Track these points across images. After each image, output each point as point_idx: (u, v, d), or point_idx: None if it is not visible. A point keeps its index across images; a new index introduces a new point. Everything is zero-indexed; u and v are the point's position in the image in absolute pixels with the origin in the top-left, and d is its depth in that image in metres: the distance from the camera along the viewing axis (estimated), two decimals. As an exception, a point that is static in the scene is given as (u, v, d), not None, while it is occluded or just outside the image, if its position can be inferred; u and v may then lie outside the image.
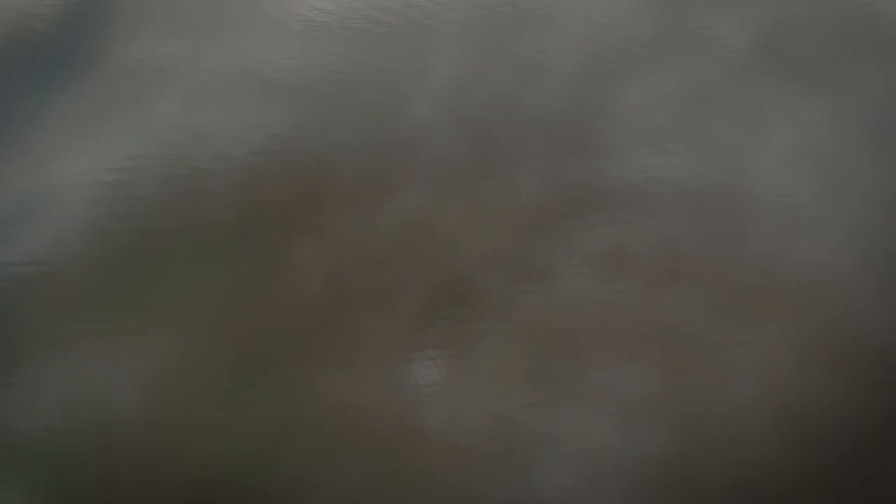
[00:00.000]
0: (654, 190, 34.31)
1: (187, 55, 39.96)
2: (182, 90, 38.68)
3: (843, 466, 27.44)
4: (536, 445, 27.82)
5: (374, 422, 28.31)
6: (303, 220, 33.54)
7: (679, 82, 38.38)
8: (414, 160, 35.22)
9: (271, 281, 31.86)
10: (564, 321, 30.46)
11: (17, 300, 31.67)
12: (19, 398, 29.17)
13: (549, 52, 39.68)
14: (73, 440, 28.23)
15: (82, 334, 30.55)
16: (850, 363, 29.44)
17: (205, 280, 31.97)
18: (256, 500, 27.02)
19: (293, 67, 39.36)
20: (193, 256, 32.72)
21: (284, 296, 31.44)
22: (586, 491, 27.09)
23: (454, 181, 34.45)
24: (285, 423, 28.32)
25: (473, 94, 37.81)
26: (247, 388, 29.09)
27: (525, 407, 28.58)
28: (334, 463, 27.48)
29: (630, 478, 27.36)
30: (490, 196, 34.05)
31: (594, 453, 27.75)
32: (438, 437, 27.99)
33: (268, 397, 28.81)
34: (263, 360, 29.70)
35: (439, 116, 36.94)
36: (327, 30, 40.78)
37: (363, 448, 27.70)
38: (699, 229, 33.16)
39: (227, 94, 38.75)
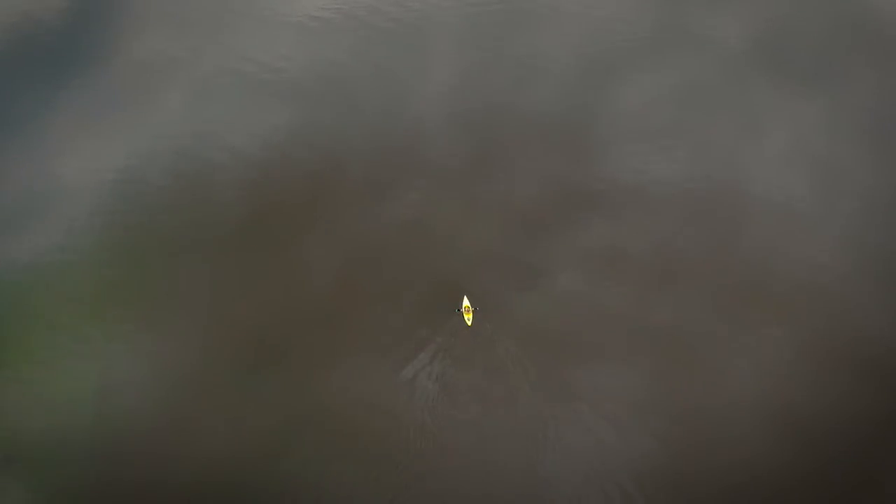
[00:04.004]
0: (650, 190, 34.24)
1: (190, 54, 39.79)
2: (186, 88, 38.64)
3: (837, 467, 27.59)
4: (534, 444, 28.00)
5: (375, 421, 28.43)
6: (303, 219, 33.55)
7: (676, 82, 38.16)
8: (414, 160, 35.11)
9: (272, 279, 31.94)
10: (561, 320, 30.47)
11: (23, 295, 31.84)
12: (24, 395, 29.34)
13: (547, 53, 39.46)
14: (79, 439, 28.37)
15: (89, 330, 30.77)
16: (845, 365, 29.51)
17: (209, 277, 32.09)
18: (261, 499, 27.26)
19: (295, 67, 39.19)
20: (198, 253, 32.87)
21: (286, 294, 31.54)
22: (584, 489, 27.35)
23: (453, 182, 34.36)
24: (289, 423, 28.44)
25: (472, 94, 37.58)
26: (252, 387, 29.23)
27: (523, 406, 28.82)
28: (337, 462, 27.63)
29: (626, 476, 27.64)
30: (489, 196, 33.99)
31: (591, 452, 27.90)
32: (437, 436, 28.22)
33: (272, 398, 28.91)
34: (266, 360, 29.80)
35: (439, 117, 36.78)
36: (329, 31, 40.57)
37: (363, 448, 27.86)
38: (696, 229, 33.04)
39: (230, 93, 38.54)
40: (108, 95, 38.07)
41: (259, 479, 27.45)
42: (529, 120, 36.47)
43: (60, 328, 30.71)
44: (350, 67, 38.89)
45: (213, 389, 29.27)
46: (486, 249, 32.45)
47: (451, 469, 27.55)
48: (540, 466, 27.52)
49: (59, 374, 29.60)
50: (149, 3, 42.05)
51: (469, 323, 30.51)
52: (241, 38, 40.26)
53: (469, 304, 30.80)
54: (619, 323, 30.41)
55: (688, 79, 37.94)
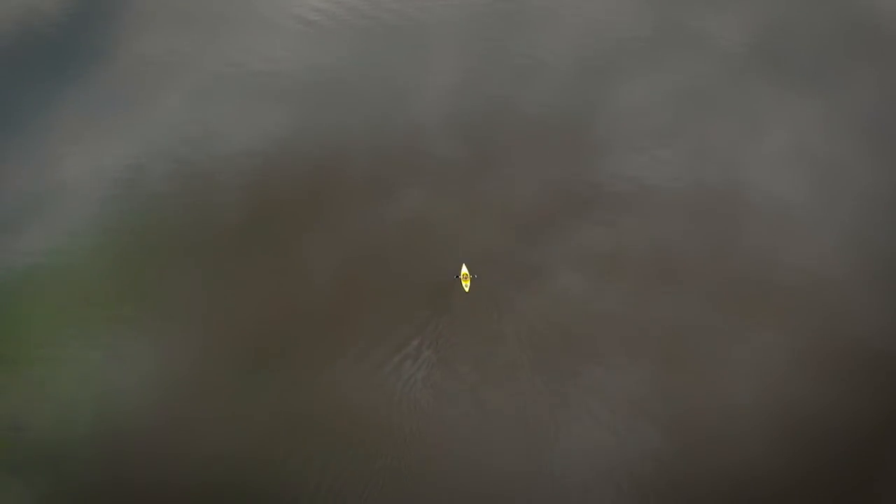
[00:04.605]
0: (650, 190, 34.09)
1: (192, 54, 39.79)
2: (187, 88, 38.63)
3: (837, 467, 27.47)
4: (533, 444, 28.06)
5: (374, 421, 28.50)
6: (304, 217, 33.54)
7: (675, 83, 37.99)
8: (414, 160, 35.05)
9: (273, 277, 31.98)
10: (559, 321, 30.45)
11: (24, 293, 31.98)
12: (26, 396, 29.48)
13: (547, 53, 39.34)
14: (79, 437, 28.36)
15: (90, 328, 30.88)
16: (846, 364, 29.45)
17: (210, 275, 32.14)
18: (261, 497, 27.35)
19: (296, 65, 39.09)
20: (199, 251, 32.93)
21: (287, 292, 31.58)
22: (581, 490, 27.40)
23: (453, 181, 34.32)
24: (290, 421, 28.51)
25: (472, 94, 37.49)
26: (253, 385, 29.28)
27: (521, 406, 28.91)
28: (336, 462, 27.81)
29: (624, 474, 27.64)
30: (489, 195, 33.93)
31: (589, 453, 27.90)
32: (436, 436, 28.25)
33: (273, 395, 28.95)
34: (267, 358, 29.83)
35: (438, 117, 36.66)
36: (329, 29, 40.53)
37: (362, 447, 28.00)
38: (695, 230, 32.90)
39: (231, 92, 38.45)
40: (109, 94, 38.12)
41: (259, 477, 27.55)
42: (530, 119, 36.44)
43: (62, 326, 30.80)
44: (350, 66, 38.89)
45: (214, 388, 29.34)
46: (486, 248, 32.52)
47: (444, 467, 27.72)
48: (536, 463, 27.64)
49: (60, 372, 29.69)
50: (150, 2, 42.12)
51: (467, 289, 31.05)
52: (243, 37, 40.30)
53: (467, 272, 31.29)
54: (619, 322, 30.41)
55: (688, 78, 37.85)
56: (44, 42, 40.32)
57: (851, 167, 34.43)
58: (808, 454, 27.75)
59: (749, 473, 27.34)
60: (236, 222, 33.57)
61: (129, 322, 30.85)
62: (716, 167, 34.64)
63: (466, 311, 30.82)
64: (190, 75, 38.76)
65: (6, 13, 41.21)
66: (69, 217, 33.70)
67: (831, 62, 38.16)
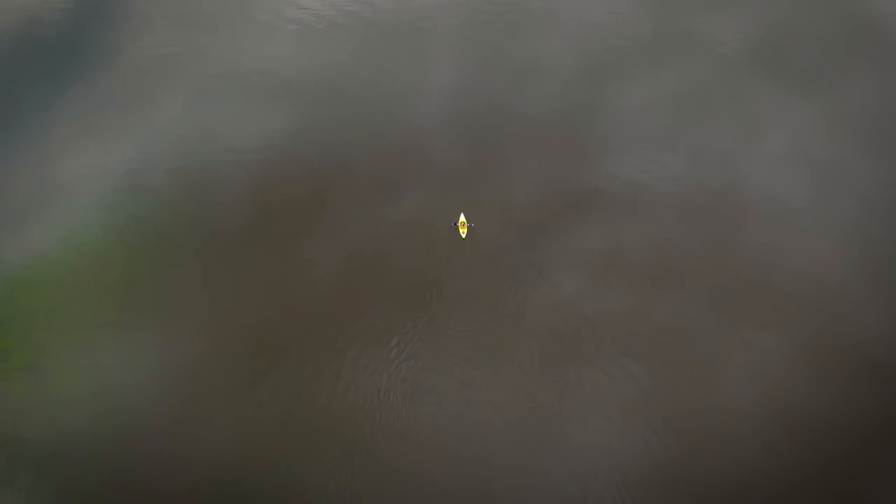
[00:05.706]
0: (649, 191, 34.02)
1: (193, 54, 39.93)
2: (190, 88, 38.68)
3: (837, 468, 27.41)
4: (531, 444, 28.04)
5: (373, 420, 28.52)
6: (304, 218, 33.57)
7: (675, 84, 37.93)
8: (414, 161, 35.03)
9: (275, 278, 31.96)
10: (559, 321, 30.39)
11: (26, 293, 31.97)
12: (28, 396, 29.52)
13: (546, 55, 39.40)
14: (80, 438, 28.36)
15: (91, 329, 30.91)
16: (843, 366, 29.37)
17: (211, 277, 32.18)
18: (263, 497, 27.37)
19: (296, 67, 39.17)
20: (199, 252, 32.94)
21: (288, 293, 31.59)
22: (580, 489, 27.41)
23: (453, 182, 34.33)
24: (290, 422, 28.55)
25: (472, 96, 37.49)
26: (255, 386, 29.23)
27: (519, 405, 28.87)
28: (336, 461, 27.86)
29: (623, 475, 27.63)
30: (488, 197, 34.01)
31: (588, 453, 28.00)
32: (435, 436, 28.25)
33: (275, 396, 28.97)
34: (269, 360, 29.87)
35: (439, 118, 36.73)
36: (330, 31, 40.61)
37: (360, 445, 28.02)
38: (694, 231, 32.90)
39: (233, 93, 38.56)
40: (111, 94, 38.25)
41: (260, 476, 27.60)
42: (530, 119, 36.48)
43: (63, 327, 30.85)
44: (351, 67, 38.97)
45: (215, 387, 29.41)
46: (486, 247, 32.61)
47: (443, 466, 27.77)
48: (533, 462, 27.68)
49: (60, 371, 29.79)
50: (150, 4, 42.20)
51: (464, 236, 32.21)
52: (243, 39, 40.38)
53: (465, 220, 32.42)
54: (618, 322, 30.45)
55: (687, 80, 37.90)
56: (44, 43, 40.42)
57: (851, 168, 34.45)
58: (807, 455, 27.75)
59: (748, 474, 27.35)
60: (237, 222, 33.63)
61: (130, 321, 30.92)
62: (715, 168, 34.67)
63: (466, 311, 30.88)
64: (191, 75, 38.84)
65: (7, 14, 41.34)
66: (71, 217, 33.78)
67: (831, 63, 38.18)
